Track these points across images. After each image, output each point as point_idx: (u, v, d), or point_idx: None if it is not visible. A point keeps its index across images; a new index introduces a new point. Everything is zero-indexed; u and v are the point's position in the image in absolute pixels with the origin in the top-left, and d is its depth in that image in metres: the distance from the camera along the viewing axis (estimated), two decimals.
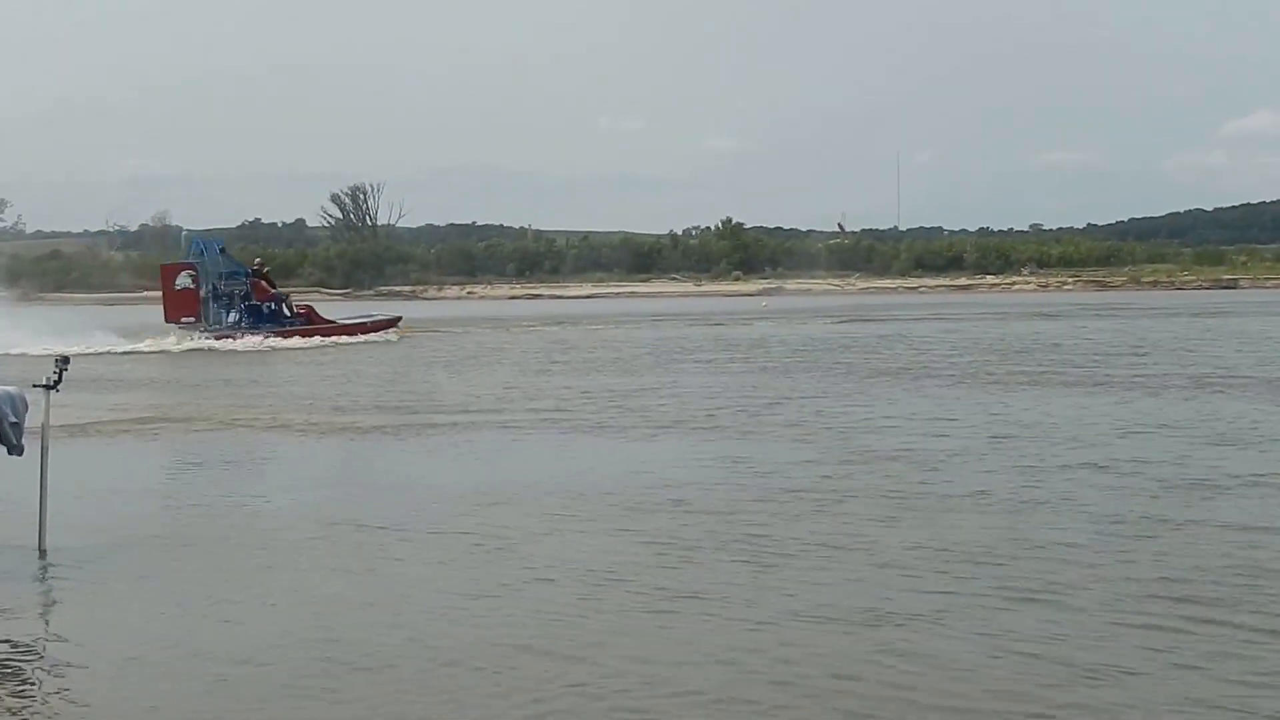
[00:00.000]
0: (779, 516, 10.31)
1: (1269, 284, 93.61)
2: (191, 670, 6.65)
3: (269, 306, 39.71)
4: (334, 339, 38.31)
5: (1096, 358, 26.42)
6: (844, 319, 49.25)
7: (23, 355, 29.35)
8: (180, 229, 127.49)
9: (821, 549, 9.12)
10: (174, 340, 37.17)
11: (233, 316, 38.87)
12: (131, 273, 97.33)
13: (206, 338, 37.36)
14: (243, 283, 39.44)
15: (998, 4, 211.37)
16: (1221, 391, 19.21)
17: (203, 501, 11.65)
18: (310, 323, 40.10)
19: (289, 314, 40.01)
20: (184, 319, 38.60)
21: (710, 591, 7.98)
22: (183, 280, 39.08)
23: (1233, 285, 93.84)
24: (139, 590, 8.33)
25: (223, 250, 41.24)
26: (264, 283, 40.62)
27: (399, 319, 42.68)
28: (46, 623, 7.83)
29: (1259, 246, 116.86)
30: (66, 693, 6.37)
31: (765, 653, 6.75)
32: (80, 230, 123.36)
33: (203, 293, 38.73)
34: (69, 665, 6.84)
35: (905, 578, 8.26)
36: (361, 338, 38.93)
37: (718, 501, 10.97)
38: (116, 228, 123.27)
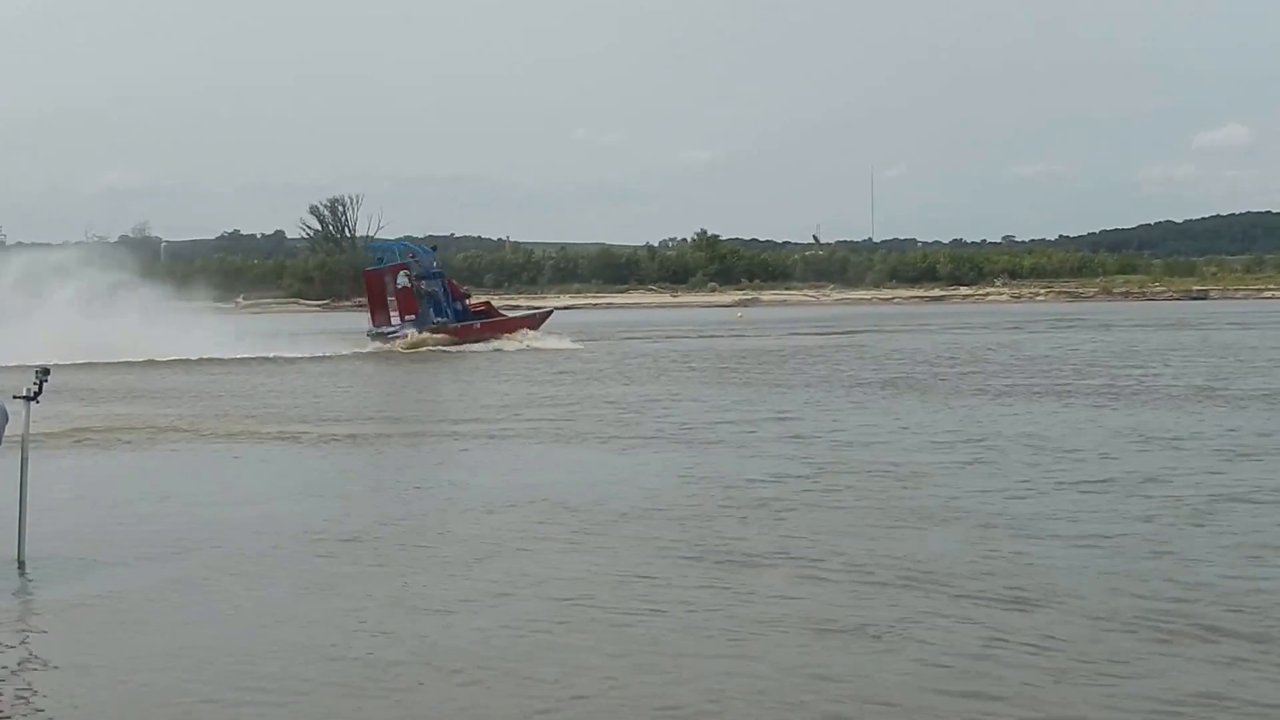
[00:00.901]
0: (752, 527, 10.41)
1: (1238, 295, 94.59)
2: (165, 685, 6.74)
3: (462, 304, 41.84)
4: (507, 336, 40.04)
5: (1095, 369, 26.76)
6: (829, 330, 49.55)
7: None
8: (160, 240, 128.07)
9: (791, 561, 9.18)
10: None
11: (437, 315, 40.46)
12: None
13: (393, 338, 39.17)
14: (441, 282, 41.46)
15: (970, 20, 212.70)
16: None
17: (185, 513, 11.69)
18: (489, 317, 42.12)
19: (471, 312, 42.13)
20: (407, 318, 39.97)
21: (674, 606, 8.07)
22: (401, 280, 40.59)
23: (1203, 296, 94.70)
24: (114, 604, 8.41)
25: (434, 248, 44.77)
26: (453, 281, 43.43)
27: (551, 312, 45.31)
28: (19, 635, 7.84)
29: (1228, 258, 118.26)
30: (38, 705, 6.45)
31: (727, 668, 6.82)
32: (60, 241, 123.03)
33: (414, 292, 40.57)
34: (39, 675, 6.97)
35: (866, 591, 8.32)
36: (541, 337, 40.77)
37: (690, 512, 11.09)
38: (96, 239, 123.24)
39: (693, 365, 30.93)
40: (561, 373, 28.83)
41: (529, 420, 18.84)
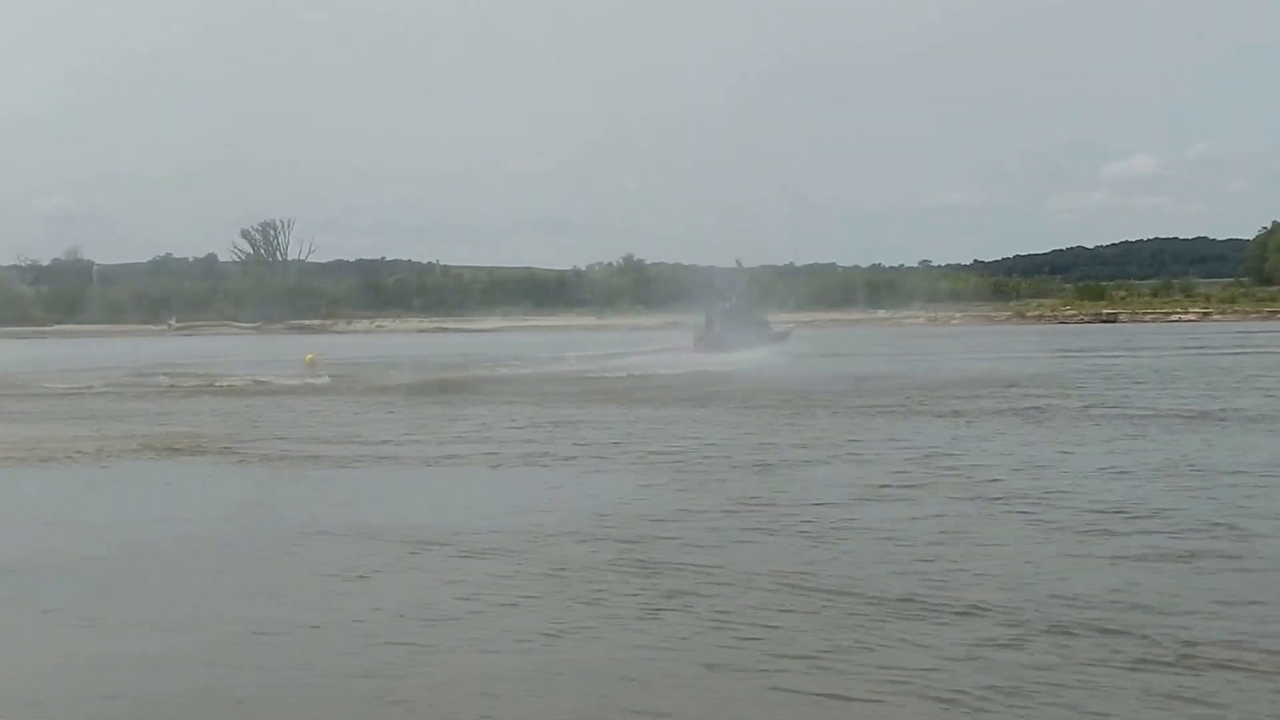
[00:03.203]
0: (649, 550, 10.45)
1: (1147, 318, 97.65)
2: (100, 696, 7.05)
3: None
4: None
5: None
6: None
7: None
8: (92, 264, 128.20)
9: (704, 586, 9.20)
10: None
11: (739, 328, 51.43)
12: (42, 306, 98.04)
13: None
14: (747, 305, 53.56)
15: (885, 47, 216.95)
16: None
17: (132, 528, 12.10)
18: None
19: None
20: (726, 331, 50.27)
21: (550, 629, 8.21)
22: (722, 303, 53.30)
23: (1113, 319, 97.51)
24: (48, 617, 8.72)
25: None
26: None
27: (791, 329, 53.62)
28: None
29: (1136, 282, 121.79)
30: None
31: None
32: None
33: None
34: None
35: (778, 614, 8.33)
36: None
37: (598, 535, 11.17)
38: (28, 263, 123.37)
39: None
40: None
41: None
